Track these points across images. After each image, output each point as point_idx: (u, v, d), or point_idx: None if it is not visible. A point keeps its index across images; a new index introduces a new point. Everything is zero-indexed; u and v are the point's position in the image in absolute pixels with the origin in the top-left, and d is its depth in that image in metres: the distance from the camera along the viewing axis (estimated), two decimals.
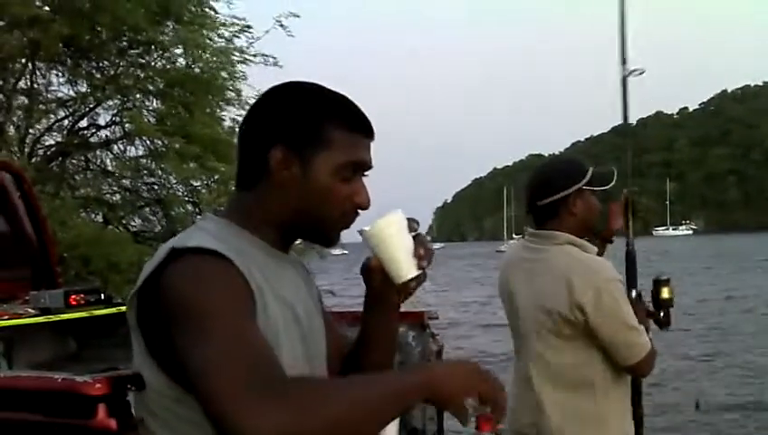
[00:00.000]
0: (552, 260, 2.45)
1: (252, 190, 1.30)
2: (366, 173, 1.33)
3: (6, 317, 3.50)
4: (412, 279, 1.33)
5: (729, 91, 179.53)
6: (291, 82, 1.34)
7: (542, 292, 2.44)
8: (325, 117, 1.28)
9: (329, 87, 1.33)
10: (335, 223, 1.32)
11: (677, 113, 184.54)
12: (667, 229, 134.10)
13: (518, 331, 2.57)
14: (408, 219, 1.34)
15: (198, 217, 1.63)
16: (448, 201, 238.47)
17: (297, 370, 1.23)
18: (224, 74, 10.22)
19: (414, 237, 1.33)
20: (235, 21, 10.38)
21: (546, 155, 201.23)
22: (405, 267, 1.32)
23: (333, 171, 1.28)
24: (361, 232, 1.33)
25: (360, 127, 1.32)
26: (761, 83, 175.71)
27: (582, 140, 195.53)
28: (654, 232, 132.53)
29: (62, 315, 3.69)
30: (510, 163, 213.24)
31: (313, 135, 1.27)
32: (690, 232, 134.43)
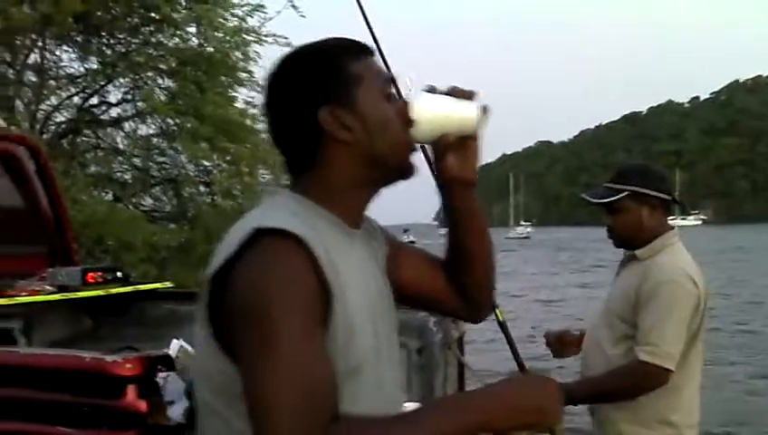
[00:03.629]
0: None
1: (312, 167, 1.28)
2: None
3: (25, 294, 3.45)
4: (482, 117, 1.32)
5: (741, 80, 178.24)
6: (283, 56, 1.32)
7: None
8: (339, 58, 1.28)
9: (312, 39, 1.33)
10: (406, 146, 1.31)
11: (689, 102, 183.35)
12: (675, 219, 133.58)
13: None
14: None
15: (268, 190, 1.56)
16: None
17: (368, 362, 1.22)
18: (237, 54, 10.12)
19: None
20: (249, 0, 10.26)
21: (555, 142, 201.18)
22: (470, 111, 1.31)
23: (378, 98, 1.29)
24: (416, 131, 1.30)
25: (365, 50, 1.33)
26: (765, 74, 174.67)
27: (592, 127, 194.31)
28: None
29: (79, 293, 3.64)
30: (519, 149, 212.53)
31: (343, 80, 1.27)
32: (699, 222, 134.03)
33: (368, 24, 2.26)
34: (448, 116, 1.31)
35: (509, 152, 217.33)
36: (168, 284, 4.33)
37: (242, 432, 1.12)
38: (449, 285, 1.47)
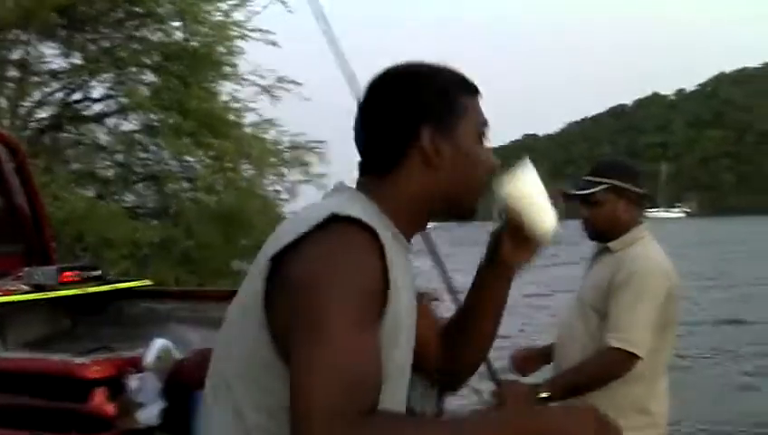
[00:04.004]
0: None
1: (390, 175, 1.29)
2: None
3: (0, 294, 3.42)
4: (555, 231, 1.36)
5: (727, 72, 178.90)
6: (403, 65, 1.35)
7: None
8: (454, 88, 1.32)
9: (429, 62, 1.36)
10: (482, 189, 1.35)
11: (675, 95, 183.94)
12: (660, 211, 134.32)
13: None
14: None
15: (330, 188, 1.38)
16: None
17: (392, 378, 1.21)
18: (221, 49, 10.07)
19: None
20: None
21: (541, 135, 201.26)
22: (551, 218, 1.35)
23: (475, 136, 1.33)
24: (496, 194, 1.34)
25: (476, 89, 1.36)
26: (759, 65, 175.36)
27: (578, 120, 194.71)
28: (647, 213, 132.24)
29: (54, 292, 3.62)
30: (506, 142, 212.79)
31: (451, 108, 1.30)
32: (683, 214, 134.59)
33: (324, 23, 2.26)
34: (534, 204, 1.34)
35: (496, 145, 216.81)
36: (147, 282, 4.31)
37: (251, 429, 1.13)
38: (441, 346, 1.48)
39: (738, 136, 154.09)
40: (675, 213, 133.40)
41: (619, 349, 2.46)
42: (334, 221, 1.13)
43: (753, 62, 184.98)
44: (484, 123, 1.36)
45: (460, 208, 1.34)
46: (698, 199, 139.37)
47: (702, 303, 17.82)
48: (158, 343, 2.31)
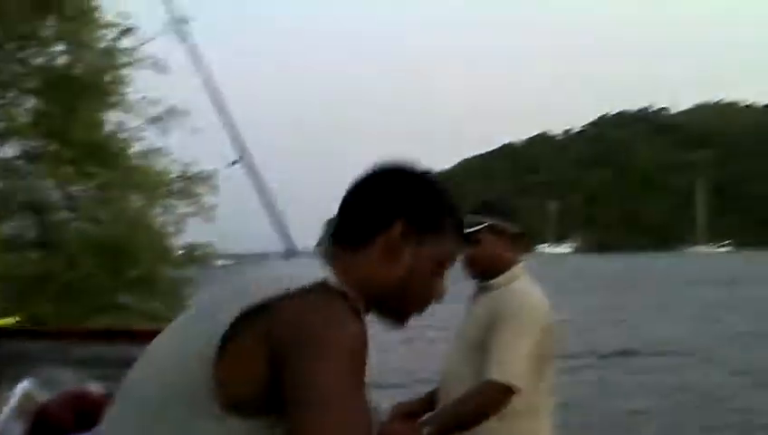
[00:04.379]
0: None
1: (355, 250, 1.35)
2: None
3: None
4: None
5: (610, 114, 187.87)
6: (416, 165, 1.43)
7: None
8: (447, 211, 1.40)
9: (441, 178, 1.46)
10: (418, 308, 1.40)
11: (562, 134, 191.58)
12: (548, 247, 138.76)
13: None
14: None
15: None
16: None
17: None
18: (108, 77, 9.76)
19: None
20: (121, 21, 9.93)
21: (436, 171, 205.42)
22: None
23: (437, 262, 1.38)
24: None
25: (461, 229, 1.44)
26: (636, 109, 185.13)
27: (471, 157, 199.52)
28: (537, 249, 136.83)
29: None
30: None
31: (435, 224, 1.37)
32: (571, 250, 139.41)
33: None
34: None
35: None
36: (16, 319, 4.04)
37: None
38: None
39: (621, 175, 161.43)
40: (563, 249, 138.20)
41: (496, 381, 2.49)
42: (322, 286, 1.19)
43: (632, 105, 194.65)
44: (451, 257, 1.41)
45: (392, 312, 1.39)
46: (585, 236, 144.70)
47: (594, 335, 18.41)
48: (22, 386, 2.20)
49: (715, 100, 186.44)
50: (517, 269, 2.73)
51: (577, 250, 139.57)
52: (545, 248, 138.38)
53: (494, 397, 2.50)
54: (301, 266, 1.33)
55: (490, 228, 2.67)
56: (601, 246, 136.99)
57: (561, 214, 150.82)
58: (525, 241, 2.81)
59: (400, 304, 1.37)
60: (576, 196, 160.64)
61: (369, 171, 1.40)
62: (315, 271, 1.23)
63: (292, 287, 1.17)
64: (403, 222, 1.33)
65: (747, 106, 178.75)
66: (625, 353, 16.05)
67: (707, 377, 13.24)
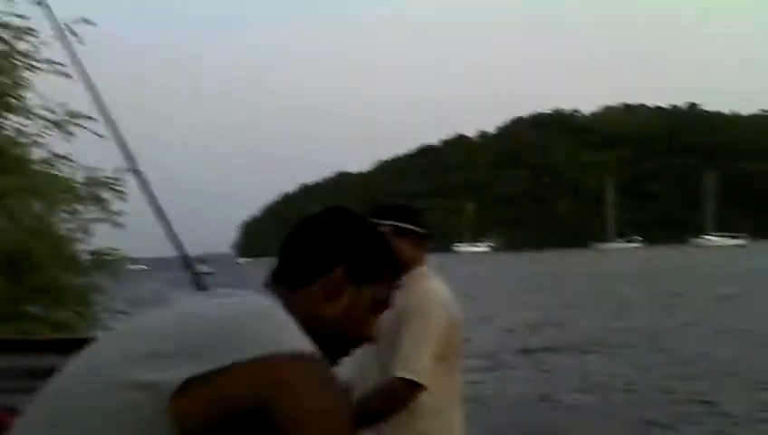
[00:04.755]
0: None
1: (296, 290, 1.39)
2: None
3: None
4: None
5: (524, 117, 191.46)
6: (360, 214, 1.52)
7: None
8: (384, 258, 1.48)
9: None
10: (353, 346, 1.47)
11: (478, 136, 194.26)
12: (466, 246, 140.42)
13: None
14: None
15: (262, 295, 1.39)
16: (257, 216, 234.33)
17: None
18: (5, 80, 9.41)
19: None
20: (18, 23, 9.58)
21: (354, 173, 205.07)
22: None
23: (373, 305, 1.45)
24: None
25: (397, 276, 1.53)
26: (548, 111, 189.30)
27: (389, 159, 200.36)
28: (454, 248, 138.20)
29: None
30: (320, 180, 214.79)
31: (374, 271, 1.44)
32: (488, 249, 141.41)
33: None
34: None
35: (308, 183, 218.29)
36: None
37: None
38: None
39: (535, 176, 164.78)
40: (480, 248, 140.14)
41: (402, 378, 2.54)
42: (308, 355, 1.21)
43: (544, 108, 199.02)
44: (386, 301, 1.49)
45: (328, 348, 1.36)
46: (502, 235, 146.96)
47: (516, 332, 18.29)
48: None
49: (624, 102, 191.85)
50: (423, 269, 2.80)
51: (494, 249, 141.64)
52: (463, 248, 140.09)
53: (400, 393, 2.56)
54: (252, 298, 1.32)
55: (394, 230, 2.71)
56: (518, 244, 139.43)
57: (477, 214, 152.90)
58: (429, 242, 2.86)
59: (337, 341, 1.41)
60: (492, 196, 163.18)
61: (314, 216, 1.48)
62: (276, 316, 1.25)
63: (279, 350, 1.18)
64: (343, 268, 1.40)
65: (657, 108, 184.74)
66: (548, 350, 16.10)
67: (631, 370, 13.36)
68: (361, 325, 1.44)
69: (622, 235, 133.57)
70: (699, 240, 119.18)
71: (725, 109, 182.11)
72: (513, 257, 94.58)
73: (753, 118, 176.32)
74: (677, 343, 16.32)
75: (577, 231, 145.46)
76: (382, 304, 1.48)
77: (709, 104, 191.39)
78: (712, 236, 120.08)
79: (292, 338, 1.21)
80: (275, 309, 1.27)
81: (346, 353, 1.46)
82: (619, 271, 49.92)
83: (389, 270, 1.49)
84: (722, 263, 56.79)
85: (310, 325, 1.31)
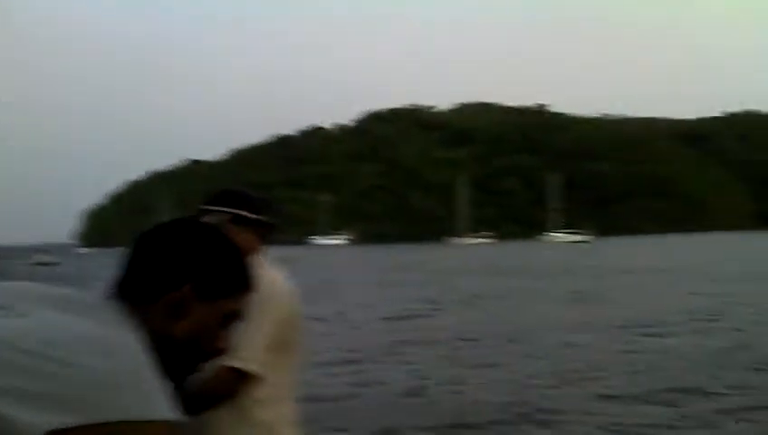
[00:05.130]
0: None
1: (140, 307, 1.32)
2: None
3: None
4: None
5: (380, 110, 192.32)
6: (209, 227, 1.45)
7: None
8: (235, 272, 1.41)
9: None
10: (203, 360, 1.41)
11: (336, 128, 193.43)
12: (322, 239, 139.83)
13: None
14: None
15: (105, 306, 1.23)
16: (101, 203, 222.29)
17: None
18: None
19: None
20: None
21: (206, 160, 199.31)
22: None
23: (222, 319, 1.40)
24: None
25: (250, 285, 1.45)
26: (403, 106, 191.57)
27: (243, 147, 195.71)
28: (309, 240, 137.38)
29: None
30: (170, 167, 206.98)
31: (222, 287, 1.38)
32: (346, 241, 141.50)
33: None
34: None
35: (159, 170, 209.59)
36: None
37: None
38: None
39: (390, 169, 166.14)
40: (337, 240, 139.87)
41: (230, 367, 2.49)
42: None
43: (400, 102, 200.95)
44: (237, 314, 1.42)
45: (177, 365, 1.35)
46: (358, 228, 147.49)
47: (366, 328, 17.77)
48: None
49: (476, 100, 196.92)
50: (260, 258, 2.71)
51: (352, 242, 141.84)
52: (318, 240, 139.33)
53: (227, 383, 2.52)
54: (115, 332, 1.19)
55: (232, 219, 2.68)
56: (374, 237, 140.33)
57: (334, 206, 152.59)
58: (268, 230, 2.79)
59: (186, 357, 1.37)
60: (349, 188, 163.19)
61: (161, 227, 1.42)
62: (145, 372, 1.15)
63: (152, 416, 1.11)
64: (191, 286, 1.34)
65: (509, 107, 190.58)
66: (406, 343, 15.65)
67: (486, 365, 12.85)
68: (213, 340, 1.38)
69: (475, 230, 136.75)
70: (547, 237, 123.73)
71: (571, 111, 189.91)
72: (369, 251, 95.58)
73: (596, 120, 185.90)
74: (531, 337, 16.21)
75: (432, 226, 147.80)
76: (235, 317, 1.41)
77: (557, 106, 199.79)
78: (559, 233, 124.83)
79: (162, 402, 1.14)
80: (140, 356, 1.17)
81: (196, 369, 1.41)
82: (472, 266, 51.17)
83: (242, 283, 1.42)
84: (571, 258, 59.30)
85: (159, 344, 1.28)
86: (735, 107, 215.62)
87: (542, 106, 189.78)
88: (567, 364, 12.74)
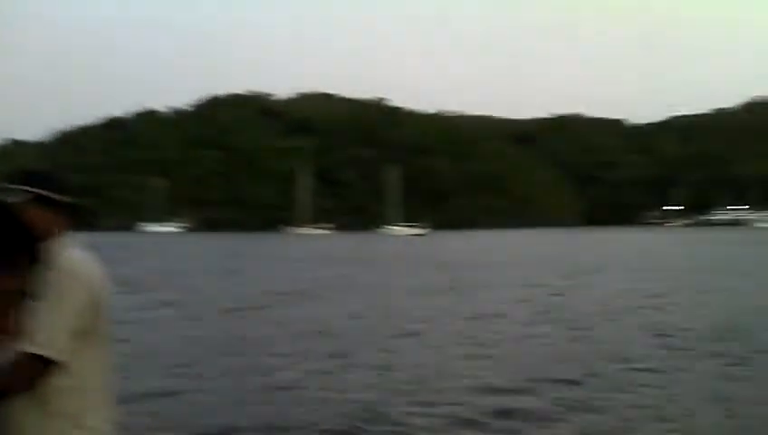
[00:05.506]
0: None
1: None
2: None
3: None
4: None
5: (222, 95, 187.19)
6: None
7: None
8: (21, 245, 1.37)
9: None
10: None
11: (172, 112, 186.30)
12: (154, 225, 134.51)
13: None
14: None
15: None
16: None
17: None
18: None
19: None
20: None
21: (30, 141, 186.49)
22: None
23: (12, 293, 1.35)
24: None
25: (38, 259, 1.43)
26: (243, 92, 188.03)
27: (68, 128, 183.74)
28: (140, 227, 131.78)
29: None
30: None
31: (9, 261, 1.34)
32: (182, 229, 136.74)
33: None
34: None
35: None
36: None
37: None
38: None
39: (228, 157, 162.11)
40: (171, 227, 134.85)
41: (27, 353, 2.36)
42: None
43: (239, 88, 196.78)
44: (24, 292, 1.38)
45: None
46: (194, 215, 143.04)
47: (203, 323, 16.78)
48: None
49: (315, 90, 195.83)
50: (63, 240, 2.63)
51: (186, 229, 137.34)
52: (150, 227, 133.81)
53: (26, 368, 2.40)
54: None
55: (34, 199, 2.59)
56: (210, 225, 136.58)
57: (169, 192, 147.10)
58: (74, 212, 2.72)
59: None
60: (184, 175, 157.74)
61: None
62: None
63: None
64: None
65: (350, 99, 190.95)
66: (244, 339, 14.62)
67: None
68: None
69: (315, 221, 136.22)
70: (385, 229, 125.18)
71: (409, 106, 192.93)
72: (204, 238, 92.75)
73: (432, 117, 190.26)
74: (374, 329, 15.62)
75: (271, 215, 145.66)
76: (20, 295, 1.37)
77: (396, 100, 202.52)
78: (396, 225, 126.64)
79: None
80: None
81: None
82: (312, 255, 51.08)
83: (26, 258, 1.36)
84: (410, 250, 60.07)
85: None
86: (564, 109, 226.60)
87: (381, 100, 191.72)
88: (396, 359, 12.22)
